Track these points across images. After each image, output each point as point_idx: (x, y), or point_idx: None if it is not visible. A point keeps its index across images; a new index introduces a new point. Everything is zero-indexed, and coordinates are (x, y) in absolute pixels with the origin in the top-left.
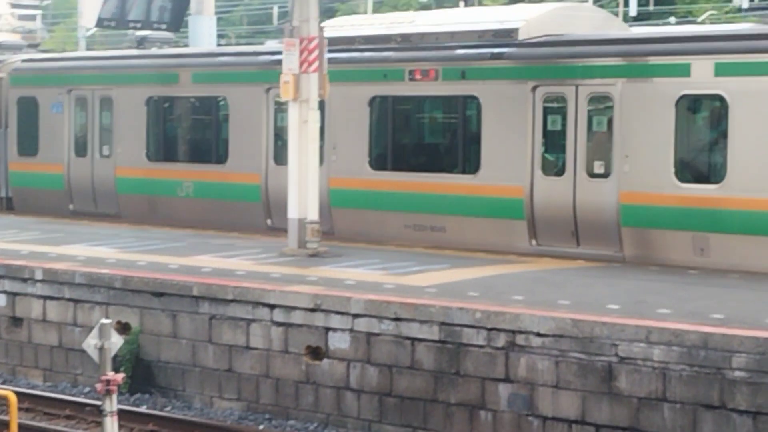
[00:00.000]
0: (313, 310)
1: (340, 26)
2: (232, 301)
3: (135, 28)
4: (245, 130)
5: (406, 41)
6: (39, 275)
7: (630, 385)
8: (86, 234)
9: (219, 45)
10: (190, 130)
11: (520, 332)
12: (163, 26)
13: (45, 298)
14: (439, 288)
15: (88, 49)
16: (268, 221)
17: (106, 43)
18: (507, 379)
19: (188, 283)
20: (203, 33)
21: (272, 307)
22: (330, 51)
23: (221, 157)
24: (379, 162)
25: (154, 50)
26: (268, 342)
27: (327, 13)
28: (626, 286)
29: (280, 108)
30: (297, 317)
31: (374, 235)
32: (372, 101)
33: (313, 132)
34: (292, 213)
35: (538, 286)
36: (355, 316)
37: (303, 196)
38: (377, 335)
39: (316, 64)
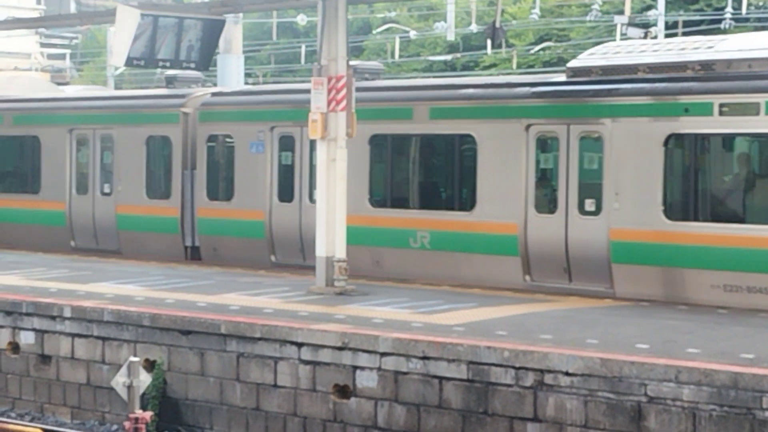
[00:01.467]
0: (340, 348)
1: (614, 54)
2: (259, 339)
3: (164, 67)
4: None
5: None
6: (68, 313)
7: (659, 425)
8: (114, 272)
9: (247, 83)
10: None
11: (549, 371)
12: (192, 65)
13: (73, 335)
14: (466, 327)
15: (117, 87)
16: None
17: (134, 82)
18: (535, 419)
19: (216, 321)
20: (231, 71)
21: (300, 345)
22: (609, 82)
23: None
24: None
25: (378, 83)
26: (295, 380)
27: (355, 52)
28: (655, 325)
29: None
30: (325, 355)
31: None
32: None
33: (341, 170)
34: (320, 251)
35: (566, 324)
36: (383, 354)
37: (330, 234)
38: (405, 374)
39: (344, 103)
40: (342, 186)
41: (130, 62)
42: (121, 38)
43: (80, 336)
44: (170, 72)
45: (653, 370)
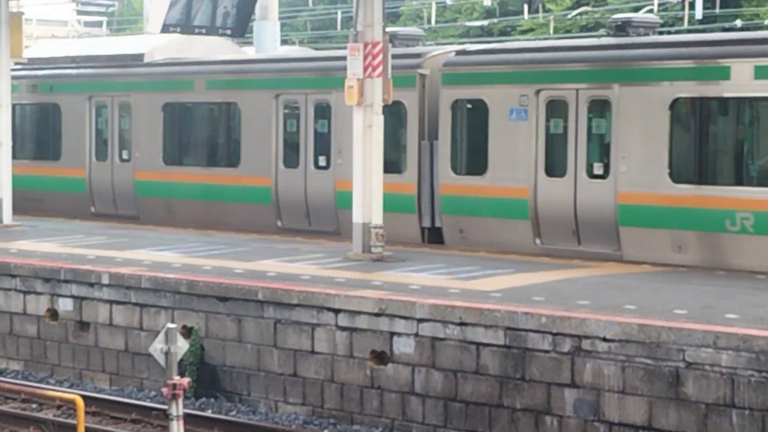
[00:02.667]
0: (377, 314)
1: None
2: (297, 305)
3: (200, 34)
4: None
5: None
6: (105, 280)
7: (697, 390)
8: (151, 239)
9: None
10: None
11: (586, 337)
12: (228, 32)
13: (111, 302)
14: (504, 292)
15: None
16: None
17: None
18: (573, 385)
19: (253, 288)
20: (267, 38)
21: (337, 311)
22: None
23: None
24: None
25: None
26: (332, 346)
27: (391, 18)
28: (693, 290)
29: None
30: (362, 322)
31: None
32: None
33: (377, 136)
34: (357, 217)
35: (603, 290)
36: (420, 320)
37: (367, 201)
38: (442, 340)
39: (380, 69)
40: (378, 152)
41: (166, 29)
42: (157, 5)
43: (118, 303)
44: (390, 28)
45: (691, 336)
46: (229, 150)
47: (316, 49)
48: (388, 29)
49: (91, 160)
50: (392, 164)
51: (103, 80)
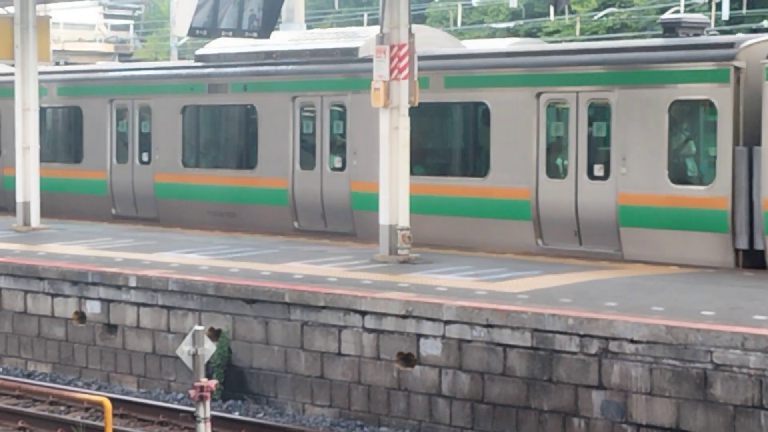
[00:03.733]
0: (404, 316)
1: None
2: (323, 307)
3: (227, 37)
4: None
5: None
6: (133, 282)
7: (726, 392)
8: (179, 241)
9: None
10: None
11: (614, 339)
12: (255, 34)
13: (139, 305)
14: (530, 294)
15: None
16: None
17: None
18: (600, 386)
19: (280, 290)
20: None
21: (364, 313)
22: None
23: None
24: None
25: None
26: (359, 348)
27: (417, 19)
28: (720, 292)
29: None
30: (388, 324)
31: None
32: None
33: (404, 138)
34: (383, 219)
35: (630, 292)
36: (447, 322)
37: (394, 203)
38: (469, 342)
39: (406, 71)
40: (405, 154)
41: (192, 32)
42: (184, 8)
43: (145, 305)
44: (667, 16)
45: (719, 338)
46: (248, 152)
47: None
48: (669, 17)
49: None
50: (691, 174)
51: None
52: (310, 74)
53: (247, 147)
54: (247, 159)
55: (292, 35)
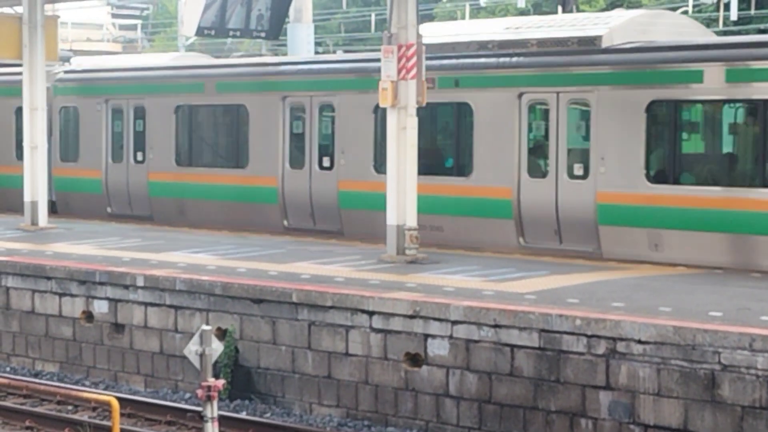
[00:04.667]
0: (412, 316)
1: None
2: (331, 307)
3: (234, 37)
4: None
5: None
6: (140, 282)
7: (733, 393)
8: (186, 241)
9: (317, 53)
10: None
11: (621, 339)
12: (262, 34)
13: (146, 304)
14: (538, 295)
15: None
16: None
17: (206, 52)
18: (608, 387)
19: (287, 290)
20: (301, 41)
21: (371, 313)
22: None
23: None
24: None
25: None
26: (367, 348)
27: (425, 20)
28: (728, 292)
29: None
30: (396, 324)
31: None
32: None
33: (412, 138)
34: (391, 219)
35: (638, 292)
36: (454, 322)
37: (402, 203)
38: (476, 342)
39: (414, 71)
40: (413, 154)
41: (200, 32)
42: (191, 8)
43: (153, 305)
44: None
45: (727, 338)
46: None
47: (349, 51)
48: None
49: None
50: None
51: None
52: None
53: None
54: None
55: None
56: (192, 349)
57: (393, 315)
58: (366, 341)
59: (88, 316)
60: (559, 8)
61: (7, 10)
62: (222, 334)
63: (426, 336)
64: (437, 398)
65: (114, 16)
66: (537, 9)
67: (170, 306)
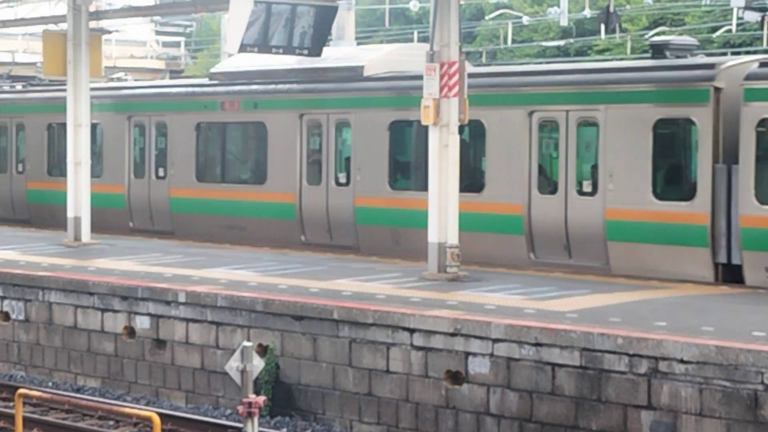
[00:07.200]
0: (453, 334)
1: None
2: (372, 324)
3: (277, 53)
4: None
5: None
6: (182, 298)
7: None
8: (228, 258)
9: None
10: None
11: (663, 359)
12: (305, 51)
13: (188, 320)
14: (579, 313)
15: None
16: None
17: None
18: (649, 406)
19: (328, 307)
20: None
21: (412, 331)
22: None
23: None
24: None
25: None
26: (407, 366)
27: (467, 38)
28: None
29: None
30: (437, 342)
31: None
32: None
33: (453, 156)
34: (432, 237)
35: (680, 311)
36: (495, 341)
37: (443, 220)
38: (517, 360)
39: (456, 89)
40: (454, 171)
41: (243, 49)
42: (234, 25)
43: (194, 321)
44: (656, 39)
45: None
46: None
47: None
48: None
49: None
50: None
51: None
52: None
53: None
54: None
55: None
56: (233, 365)
57: (434, 332)
58: (407, 359)
59: (130, 331)
60: (602, 26)
61: (52, 27)
62: (263, 350)
63: (467, 354)
64: (478, 416)
65: (158, 33)
66: (579, 27)
67: (211, 322)
